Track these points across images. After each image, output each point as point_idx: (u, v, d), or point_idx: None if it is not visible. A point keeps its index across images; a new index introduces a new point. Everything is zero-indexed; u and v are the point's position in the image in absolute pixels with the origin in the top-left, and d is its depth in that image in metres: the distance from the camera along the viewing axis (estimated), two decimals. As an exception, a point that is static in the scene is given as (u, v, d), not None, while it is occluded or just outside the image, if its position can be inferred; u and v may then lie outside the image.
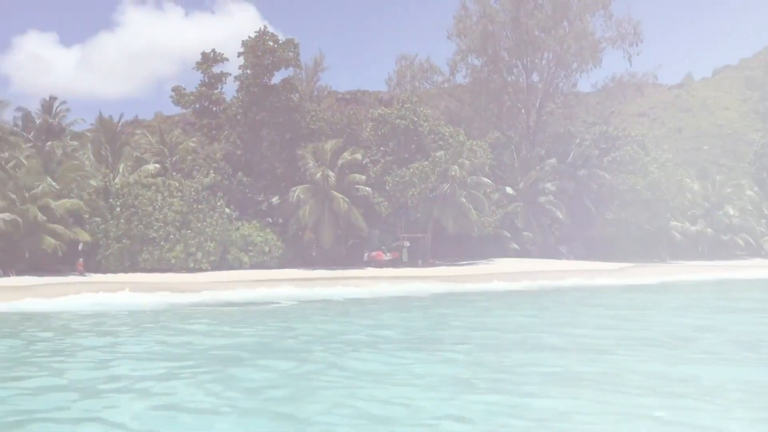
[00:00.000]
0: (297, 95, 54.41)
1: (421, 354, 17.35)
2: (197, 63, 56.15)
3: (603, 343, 18.90)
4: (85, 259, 42.98)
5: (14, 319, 26.04)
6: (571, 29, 66.75)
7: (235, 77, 54.91)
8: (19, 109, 49.53)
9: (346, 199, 48.96)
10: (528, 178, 61.92)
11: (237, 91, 55.05)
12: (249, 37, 53.83)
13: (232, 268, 45.72)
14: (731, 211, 72.52)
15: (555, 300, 33.83)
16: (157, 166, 51.07)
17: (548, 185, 62.25)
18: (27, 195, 41.42)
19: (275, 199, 52.60)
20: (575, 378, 14.21)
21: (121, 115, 57.00)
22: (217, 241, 46.09)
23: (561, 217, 61.30)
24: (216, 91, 56.42)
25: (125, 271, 43.50)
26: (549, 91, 70.54)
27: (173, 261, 44.60)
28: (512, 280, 42.33)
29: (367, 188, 50.51)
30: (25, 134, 47.64)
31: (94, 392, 13.47)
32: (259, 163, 53.11)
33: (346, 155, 50.80)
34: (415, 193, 50.58)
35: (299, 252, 50.28)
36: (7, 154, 43.30)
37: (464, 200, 52.04)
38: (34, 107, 54.66)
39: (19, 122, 48.74)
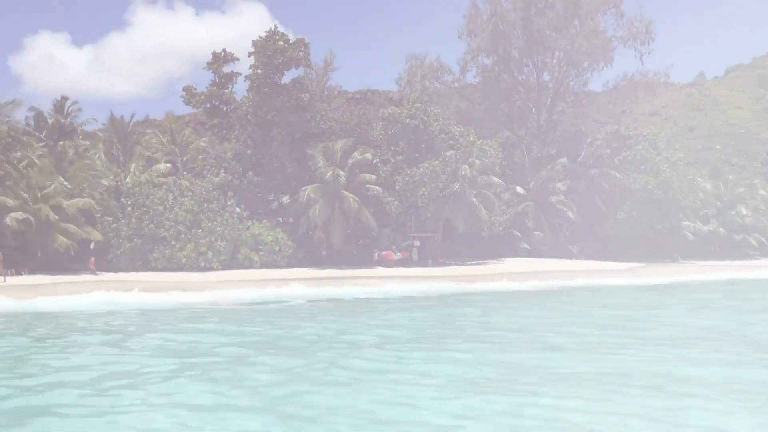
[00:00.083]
0: (307, 95, 54.48)
1: (428, 353, 17.35)
2: (208, 63, 56.46)
3: (611, 342, 18.86)
4: (97, 258, 43.32)
5: (26, 318, 26.30)
6: (583, 28, 66.56)
7: (246, 77, 55.16)
8: (31, 109, 50.29)
9: (357, 198, 49.03)
10: (539, 177, 61.75)
11: (247, 90, 55.30)
12: (259, 36, 54.06)
13: (242, 267, 45.88)
14: (744, 211, 72.08)
15: (564, 300, 33.71)
16: (168, 165, 51.46)
17: (559, 185, 62.01)
18: (39, 194, 41.80)
19: (285, 199, 52.71)
20: (582, 378, 14.17)
21: (132, 115, 57.68)
22: (227, 241, 46.28)
23: (572, 216, 61.06)
24: (226, 91, 56.62)
25: (136, 270, 43.83)
26: (560, 90, 70.32)
27: (184, 260, 44.86)
28: (522, 279, 42.22)
29: (378, 188, 50.54)
30: (37, 134, 48.13)
31: (102, 390, 13.58)
32: (269, 163, 53.22)
33: (357, 155, 50.89)
34: (426, 192, 50.56)
35: (309, 251, 50.38)
36: (19, 154, 43.71)
37: (474, 200, 51.89)
38: (46, 107, 55.41)
39: (32, 122, 49.31)
